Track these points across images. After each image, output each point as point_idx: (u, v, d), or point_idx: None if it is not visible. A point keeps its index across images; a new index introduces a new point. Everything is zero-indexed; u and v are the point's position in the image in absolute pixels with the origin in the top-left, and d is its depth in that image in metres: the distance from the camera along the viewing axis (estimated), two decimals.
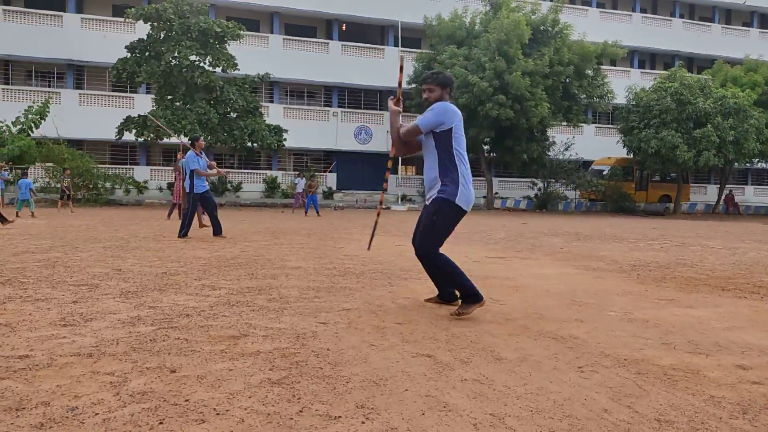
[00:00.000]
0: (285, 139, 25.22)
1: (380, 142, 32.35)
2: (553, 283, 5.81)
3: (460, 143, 4.20)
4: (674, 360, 3.19)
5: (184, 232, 9.66)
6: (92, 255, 7.16)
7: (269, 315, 4.03)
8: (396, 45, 32.12)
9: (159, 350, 3.09)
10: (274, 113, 29.74)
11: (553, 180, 29.71)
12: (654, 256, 8.83)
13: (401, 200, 29.77)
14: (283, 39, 31.26)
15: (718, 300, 5.17)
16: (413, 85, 30.07)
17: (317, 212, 19.33)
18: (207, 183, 10.03)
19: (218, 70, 24.18)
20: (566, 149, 29.22)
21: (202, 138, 10.50)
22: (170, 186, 26.76)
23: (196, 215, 10.99)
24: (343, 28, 33.20)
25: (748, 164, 31.52)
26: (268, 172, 31.11)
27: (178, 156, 15.24)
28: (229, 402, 2.38)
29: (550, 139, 28.89)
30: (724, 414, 2.42)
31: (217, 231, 10.00)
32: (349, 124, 32.15)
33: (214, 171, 10.26)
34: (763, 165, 33.81)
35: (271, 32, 31.70)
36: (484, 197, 29.15)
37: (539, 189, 30.24)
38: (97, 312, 3.99)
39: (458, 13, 28.58)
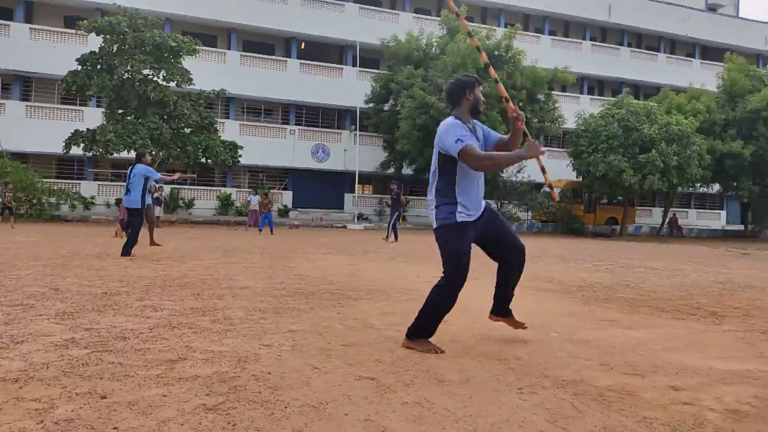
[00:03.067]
0: (240, 156, 24.95)
1: (337, 160, 32.35)
2: None
3: None
4: (611, 381, 3.25)
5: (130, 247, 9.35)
6: (30, 273, 6.88)
7: (211, 337, 3.94)
8: (354, 65, 32.34)
9: (91, 375, 2.97)
10: (230, 129, 29.41)
11: (506, 201, 30.25)
12: (600, 277, 9.06)
13: (358, 219, 29.74)
14: (241, 55, 31.09)
15: (657, 321, 5.32)
16: (371, 105, 30.26)
17: (271, 230, 19.11)
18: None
19: (173, 84, 23.80)
20: (518, 171, 29.81)
21: (147, 154, 10.39)
22: (118, 202, 26.03)
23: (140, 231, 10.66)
24: (302, 46, 33.24)
25: (690, 189, 32.81)
26: (222, 189, 30.67)
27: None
28: (160, 429, 2.30)
29: None
30: None
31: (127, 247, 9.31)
32: (306, 142, 32.07)
33: (175, 176, 10.16)
34: (705, 189, 35.24)
35: (229, 48, 31.49)
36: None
37: None
38: (29, 334, 3.82)
39: (414, 35, 29.10)
